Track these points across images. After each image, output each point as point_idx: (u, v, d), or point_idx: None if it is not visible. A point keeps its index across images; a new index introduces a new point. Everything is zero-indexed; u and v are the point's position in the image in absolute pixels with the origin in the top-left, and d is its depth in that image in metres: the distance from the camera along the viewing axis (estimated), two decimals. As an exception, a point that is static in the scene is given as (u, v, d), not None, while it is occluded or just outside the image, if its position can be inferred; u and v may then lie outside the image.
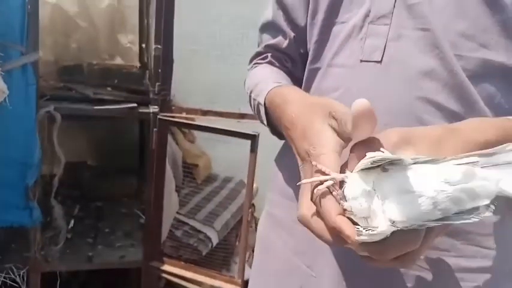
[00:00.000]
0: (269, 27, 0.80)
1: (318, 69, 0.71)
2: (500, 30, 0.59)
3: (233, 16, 1.98)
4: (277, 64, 0.80)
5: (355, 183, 0.46)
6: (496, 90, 0.60)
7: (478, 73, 0.59)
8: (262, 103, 0.69)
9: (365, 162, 0.45)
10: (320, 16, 0.70)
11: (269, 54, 0.81)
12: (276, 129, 0.71)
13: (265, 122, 0.71)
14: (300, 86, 0.75)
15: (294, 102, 0.61)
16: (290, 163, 0.57)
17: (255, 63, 0.84)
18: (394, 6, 0.62)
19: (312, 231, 0.50)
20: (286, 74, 0.79)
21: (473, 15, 0.59)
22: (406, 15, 0.61)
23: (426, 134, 0.50)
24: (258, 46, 0.84)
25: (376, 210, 0.44)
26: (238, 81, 2.01)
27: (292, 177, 0.58)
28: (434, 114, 0.59)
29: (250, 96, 0.77)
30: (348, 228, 0.45)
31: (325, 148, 0.51)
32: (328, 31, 0.69)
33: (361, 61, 0.64)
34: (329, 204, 0.47)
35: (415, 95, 0.60)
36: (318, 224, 0.50)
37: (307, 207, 0.51)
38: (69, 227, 2.10)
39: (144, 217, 2.18)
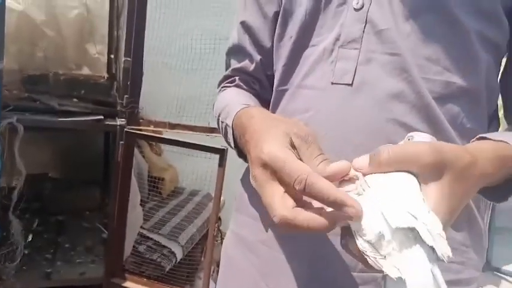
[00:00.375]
0: (235, 51, 0.81)
1: (286, 90, 0.71)
2: (461, 55, 0.62)
3: (204, 30, 1.97)
4: (245, 87, 0.81)
5: (373, 217, 0.45)
6: (459, 111, 0.63)
7: (443, 95, 0.62)
8: (230, 125, 0.68)
9: (401, 220, 0.43)
10: (290, 39, 0.70)
11: (237, 78, 0.81)
12: (242, 151, 0.70)
13: (232, 145, 0.70)
14: (268, 107, 0.76)
15: (258, 118, 0.61)
16: None
17: (223, 87, 0.84)
18: (364, 32, 0.63)
19: (298, 226, 0.48)
20: (254, 96, 0.79)
21: (437, 40, 0.62)
22: (375, 40, 0.63)
23: (456, 161, 0.49)
24: (226, 70, 0.84)
25: (386, 253, 0.44)
26: (208, 95, 2.05)
27: (258, 198, 0.57)
28: (403, 135, 0.60)
29: (218, 120, 0.76)
30: (351, 201, 0.45)
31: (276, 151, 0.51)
32: (298, 54, 0.70)
33: (332, 83, 0.65)
34: (325, 183, 0.47)
35: (385, 117, 0.62)
36: (302, 214, 0.48)
37: (282, 207, 0.49)
38: (27, 241, 2.02)
39: (106, 232, 2.12)
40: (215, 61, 1.85)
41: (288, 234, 0.67)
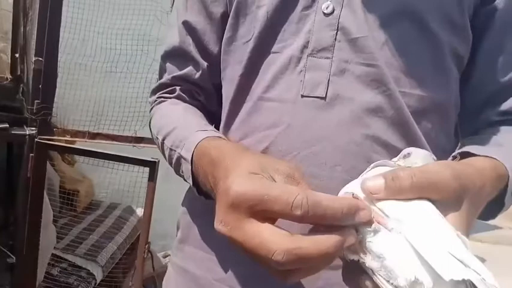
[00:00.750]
0: (176, 55, 0.71)
1: (244, 102, 0.63)
2: (435, 68, 0.59)
3: (126, 29, 1.81)
4: (187, 98, 0.71)
5: (403, 257, 0.39)
6: (432, 127, 0.61)
7: (418, 110, 0.59)
8: (189, 159, 0.58)
9: (453, 271, 0.37)
10: (245, 44, 0.63)
11: (177, 87, 0.71)
12: (202, 188, 0.59)
13: (190, 181, 0.59)
14: (216, 121, 0.68)
15: (231, 154, 0.51)
16: (210, 210, 0.49)
17: (159, 97, 0.72)
18: (336, 39, 0.58)
19: (306, 255, 0.40)
20: (199, 109, 0.70)
21: (412, 51, 0.58)
22: (349, 49, 0.58)
23: (472, 186, 0.46)
24: (161, 76, 0.73)
25: None
26: (134, 101, 1.88)
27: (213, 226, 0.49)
28: (381, 153, 0.57)
29: (162, 143, 0.65)
30: (362, 203, 0.42)
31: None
32: (257, 61, 0.62)
33: (302, 96, 0.58)
34: (330, 196, 0.42)
35: (362, 134, 0.57)
36: (305, 238, 0.41)
37: (280, 240, 0.40)
38: None
39: (13, 256, 1.91)
40: (142, 63, 1.70)
41: (254, 272, 0.57)
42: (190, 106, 0.70)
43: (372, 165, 0.48)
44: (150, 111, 0.75)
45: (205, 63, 0.68)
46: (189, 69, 0.69)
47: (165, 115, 0.69)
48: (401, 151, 0.55)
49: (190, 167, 0.58)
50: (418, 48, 0.58)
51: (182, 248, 0.70)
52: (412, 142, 0.59)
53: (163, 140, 0.65)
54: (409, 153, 0.49)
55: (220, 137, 0.59)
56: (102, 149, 1.65)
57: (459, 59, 0.61)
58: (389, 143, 0.58)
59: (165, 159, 0.66)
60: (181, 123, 0.64)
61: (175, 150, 0.61)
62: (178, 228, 0.73)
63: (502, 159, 0.55)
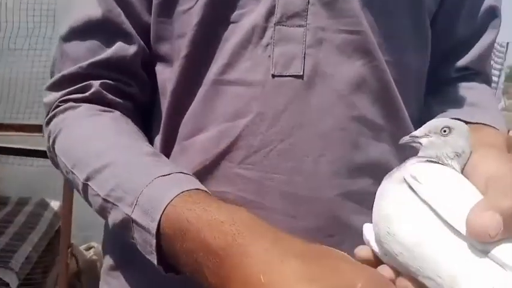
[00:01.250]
0: (95, 32, 0.55)
1: (195, 88, 0.53)
2: (415, 30, 0.56)
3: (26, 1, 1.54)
4: (110, 97, 0.55)
5: None
6: (410, 97, 0.57)
7: (400, 79, 0.55)
8: (153, 231, 0.41)
9: None
10: (186, 13, 0.53)
11: (95, 82, 0.54)
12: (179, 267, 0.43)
13: (153, 259, 0.42)
14: (154, 116, 0.57)
15: (258, 257, 0.37)
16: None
17: (65, 100, 0.55)
18: (308, 2, 0.51)
19: None
20: (131, 112, 0.57)
21: (395, 13, 0.54)
22: (325, 14, 0.51)
23: None
24: (62, 66, 0.55)
25: None
26: (40, 83, 1.63)
27: None
28: (367, 135, 0.52)
29: (85, 185, 0.48)
30: None
31: None
32: (208, 35, 0.52)
33: (274, 76, 0.50)
34: None
35: (348, 115, 0.51)
36: None
37: None
38: None
39: None
40: (47, 38, 1.46)
41: None
42: (122, 118, 0.54)
43: (406, 162, 0.40)
44: (46, 123, 0.56)
45: (141, 41, 0.55)
46: (118, 47, 0.54)
47: (84, 136, 0.52)
48: (382, 129, 0.52)
49: (154, 241, 0.41)
50: (401, 8, 0.54)
51: (117, 276, 0.58)
52: (395, 117, 0.54)
53: (86, 180, 0.48)
54: (449, 128, 0.40)
55: (198, 189, 0.43)
56: (6, 140, 1.44)
57: (430, 18, 0.58)
58: (375, 122, 0.53)
59: (89, 205, 0.49)
60: (117, 157, 0.48)
61: (116, 205, 0.45)
62: (105, 253, 0.61)
63: (494, 124, 0.54)
